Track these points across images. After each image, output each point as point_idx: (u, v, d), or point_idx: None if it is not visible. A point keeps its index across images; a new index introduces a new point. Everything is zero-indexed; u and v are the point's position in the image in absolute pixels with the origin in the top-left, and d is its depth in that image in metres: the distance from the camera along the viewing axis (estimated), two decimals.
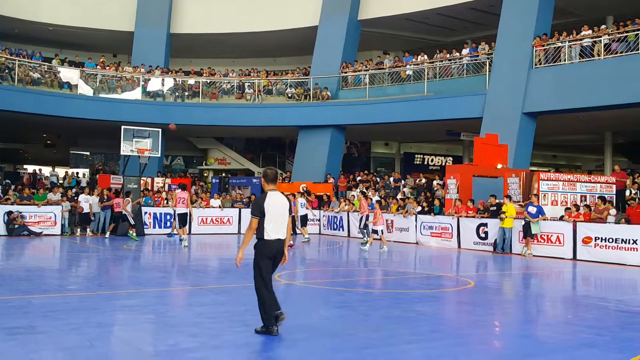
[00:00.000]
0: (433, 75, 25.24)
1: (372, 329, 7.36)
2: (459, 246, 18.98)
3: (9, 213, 19.73)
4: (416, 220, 20.44)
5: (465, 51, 25.06)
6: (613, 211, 16.93)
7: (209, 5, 30.66)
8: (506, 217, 17.22)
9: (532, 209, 16.76)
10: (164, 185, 26.13)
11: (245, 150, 35.75)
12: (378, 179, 27.00)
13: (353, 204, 23.10)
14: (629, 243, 15.07)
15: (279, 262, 7.05)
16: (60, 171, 30.84)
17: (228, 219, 22.98)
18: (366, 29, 28.92)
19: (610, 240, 15.42)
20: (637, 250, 14.92)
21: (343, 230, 23.36)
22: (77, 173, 31.11)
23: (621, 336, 7.45)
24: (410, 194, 23.72)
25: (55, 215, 20.61)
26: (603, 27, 21.44)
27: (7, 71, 25.48)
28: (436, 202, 20.89)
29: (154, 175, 26.82)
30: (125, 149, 22.60)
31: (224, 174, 32.75)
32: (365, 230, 19.23)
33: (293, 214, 20.08)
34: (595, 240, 15.71)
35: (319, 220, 24.14)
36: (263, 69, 31.10)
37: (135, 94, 27.80)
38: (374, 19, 28.14)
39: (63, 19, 29.67)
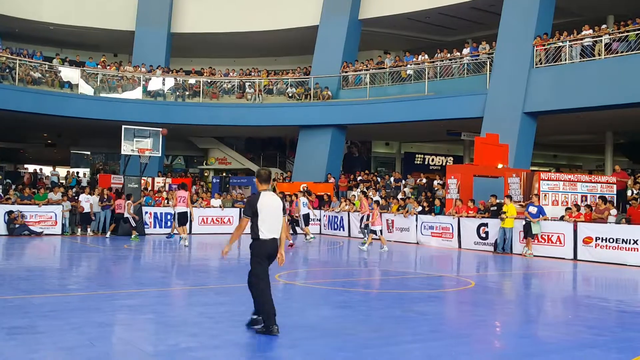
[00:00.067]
0: (434, 75, 25.23)
1: (372, 329, 7.36)
2: (460, 246, 18.98)
3: (10, 213, 19.74)
4: (417, 220, 20.44)
5: (465, 51, 25.05)
6: (614, 211, 16.92)
7: (209, 5, 30.66)
8: (507, 217, 17.21)
9: (533, 209, 16.75)
10: (165, 185, 26.13)
11: (245, 149, 35.74)
12: (379, 179, 27.00)
13: (354, 204, 23.11)
14: (629, 243, 15.06)
15: (273, 261, 7.10)
16: (61, 171, 30.86)
17: (229, 219, 23.00)
18: (367, 29, 28.92)
19: (611, 240, 15.41)
20: (637, 251, 14.91)
21: (343, 230, 23.36)
22: (77, 173, 31.12)
23: (622, 336, 7.45)
24: (411, 194, 23.72)
25: (55, 215, 20.63)
26: (604, 26, 21.42)
27: (7, 70, 25.48)
28: (437, 202, 20.89)
29: (154, 175, 26.82)
30: (126, 148, 22.59)
31: (224, 174, 32.75)
32: (365, 230, 19.22)
33: (291, 214, 20.37)
34: (596, 241, 15.71)
35: (320, 220, 24.14)
36: (264, 69, 31.09)
37: (136, 94, 27.81)
38: (375, 18, 28.14)
39: (64, 18, 29.67)
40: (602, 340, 7.17)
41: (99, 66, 28.97)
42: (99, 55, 31.52)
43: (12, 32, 30.30)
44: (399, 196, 22.95)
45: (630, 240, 15.05)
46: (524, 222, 16.92)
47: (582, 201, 17.99)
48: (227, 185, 28.68)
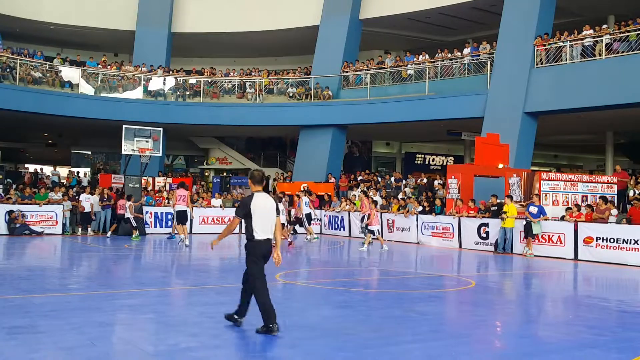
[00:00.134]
0: (434, 75, 25.22)
1: (372, 329, 7.36)
2: (460, 246, 18.98)
3: (10, 212, 19.75)
4: (417, 220, 20.44)
5: (466, 51, 25.04)
6: (614, 211, 16.91)
7: (210, 5, 30.66)
8: (507, 217, 17.21)
9: (534, 209, 16.75)
10: (165, 184, 26.14)
11: (246, 149, 35.73)
12: (379, 179, 26.99)
13: (354, 204, 23.11)
14: (630, 243, 15.06)
15: (268, 261, 7.17)
16: (62, 170, 30.86)
17: (229, 219, 22.96)
18: (367, 29, 28.91)
19: (612, 240, 15.41)
20: (638, 251, 14.91)
21: (344, 230, 23.37)
22: (78, 172, 31.13)
23: (622, 336, 7.45)
24: (412, 194, 23.71)
25: (56, 215, 20.64)
26: (604, 26, 21.41)
27: (8, 70, 25.49)
28: (437, 201, 20.88)
29: (155, 175, 26.83)
30: (127, 148, 22.61)
31: (225, 174, 32.74)
32: (365, 230, 19.23)
33: (295, 214, 20.39)
34: (597, 241, 15.71)
35: (320, 220, 24.14)
36: (264, 69, 31.08)
37: (137, 94, 27.81)
38: (375, 18, 28.13)
39: (64, 18, 29.67)
40: (603, 340, 7.17)
41: (99, 66, 28.97)
42: (99, 55, 31.54)
43: (13, 31, 30.31)
44: (400, 196, 22.94)
45: (630, 240, 15.04)
46: (524, 222, 16.92)
47: (582, 201, 17.99)
48: (228, 185, 28.68)
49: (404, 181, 25.72)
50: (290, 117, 27.74)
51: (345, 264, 15.53)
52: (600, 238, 15.65)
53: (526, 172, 19.00)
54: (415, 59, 26.54)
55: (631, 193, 18.66)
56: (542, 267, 14.85)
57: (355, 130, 28.55)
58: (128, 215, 19.82)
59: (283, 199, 19.71)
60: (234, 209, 22.71)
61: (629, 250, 15.07)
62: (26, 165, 35.25)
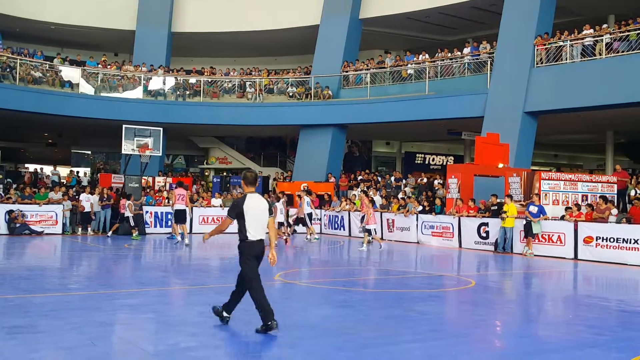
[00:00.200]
0: (434, 74, 25.22)
1: (372, 329, 7.36)
2: (460, 246, 18.98)
3: (10, 212, 19.75)
4: (417, 220, 20.44)
5: (466, 50, 25.04)
6: (614, 211, 16.91)
7: (210, 4, 30.66)
8: (507, 216, 17.21)
9: (534, 209, 16.75)
10: (165, 184, 26.15)
11: (246, 149, 35.74)
12: (379, 178, 26.99)
13: (354, 204, 23.11)
14: (630, 243, 15.06)
15: (261, 261, 7.22)
16: (62, 170, 30.85)
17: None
18: (367, 28, 28.91)
19: (612, 240, 15.41)
20: (638, 250, 14.91)
21: (344, 229, 23.37)
22: (78, 172, 31.14)
23: (622, 336, 7.45)
24: (412, 194, 23.71)
25: (56, 214, 20.65)
26: (605, 26, 21.40)
27: (8, 70, 25.49)
28: (437, 201, 20.88)
29: (155, 175, 26.83)
30: (127, 148, 22.60)
31: (225, 173, 32.73)
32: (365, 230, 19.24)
33: (297, 214, 20.41)
34: (597, 240, 15.71)
35: (320, 219, 24.15)
36: (264, 68, 31.09)
37: (137, 93, 27.81)
38: (375, 17, 28.12)
39: (65, 17, 29.66)
40: (603, 339, 7.17)
41: (99, 66, 28.97)
42: (99, 54, 31.54)
43: (13, 31, 30.30)
44: (400, 196, 22.94)
45: (630, 239, 15.05)
46: (524, 222, 16.92)
47: (582, 201, 17.99)
48: (228, 185, 28.67)
49: (404, 181, 25.72)
50: (290, 117, 27.74)
51: (345, 263, 15.53)
52: (600, 238, 15.65)
53: (526, 172, 19.00)
54: (415, 59, 26.54)
55: (632, 193, 18.66)
56: (542, 266, 14.85)
57: (355, 129, 28.55)
58: (128, 214, 19.84)
59: (282, 199, 19.72)
60: None
61: (629, 249, 15.07)
62: (26, 165, 35.27)
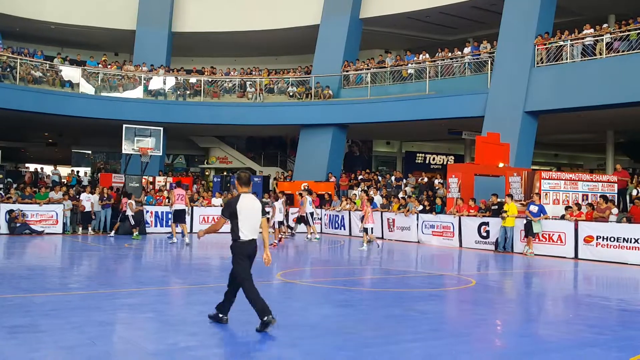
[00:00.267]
0: (435, 74, 25.22)
1: (373, 328, 7.36)
2: (461, 245, 18.98)
3: (11, 211, 19.75)
4: (418, 219, 20.43)
5: (467, 50, 25.04)
6: (615, 210, 16.91)
7: (210, 4, 30.67)
8: (508, 216, 17.20)
9: (534, 208, 16.75)
10: (166, 184, 26.16)
11: (246, 149, 35.75)
12: (380, 178, 26.99)
13: (354, 203, 23.11)
14: (630, 242, 15.05)
15: (253, 261, 7.26)
16: (62, 170, 30.87)
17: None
18: (368, 28, 28.91)
19: (612, 239, 15.40)
20: (638, 250, 14.90)
21: (344, 229, 23.36)
22: (78, 172, 31.15)
23: (622, 335, 7.44)
24: (412, 193, 23.71)
25: (56, 214, 20.65)
26: (605, 26, 21.40)
27: (9, 70, 25.50)
28: (438, 201, 20.88)
29: (155, 174, 26.83)
30: (127, 147, 22.60)
31: (225, 173, 32.75)
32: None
33: (299, 213, 20.43)
34: (597, 239, 15.70)
35: (320, 219, 24.15)
36: (265, 68, 31.09)
37: (137, 93, 27.82)
38: (376, 17, 28.12)
39: (65, 17, 29.68)
40: (603, 339, 7.17)
41: (100, 65, 28.98)
42: (100, 54, 31.56)
43: (13, 31, 30.32)
44: (400, 195, 22.94)
45: (631, 239, 15.04)
46: (525, 221, 16.91)
47: (583, 200, 17.99)
48: (228, 185, 28.65)
49: (404, 180, 25.72)
50: (290, 117, 27.73)
51: (345, 263, 15.53)
52: (600, 237, 15.64)
53: (526, 171, 19.00)
54: (415, 58, 26.54)
55: (634, 192, 18.67)
56: (543, 266, 14.84)
57: (355, 129, 28.55)
58: (129, 212, 19.86)
59: (281, 199, 19.71)
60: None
61: (630, 249, 15.06)
62: (27, 165, 35.25)
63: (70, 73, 27.38)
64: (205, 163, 36.39)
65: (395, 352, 6.35)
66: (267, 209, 20.93)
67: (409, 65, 26.32)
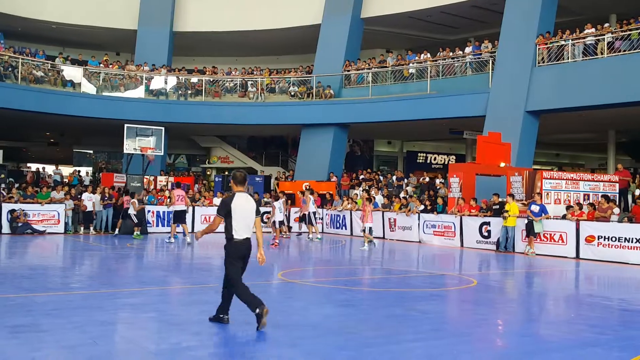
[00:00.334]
0: (436, 74, 25.20)
1: (374, 328, 7.37)
2: (462, 245, 18.97)
3: (13, 211, 19.78)
4: (419, 219, 20.43)
5: (468, 49, 25.03)
6: (616, 210, 16.90)
7: (211, 4, 30.68)
8: (509, 215, 17.19)
9: (535, 208, 16.74)
10: (167, 183, 26.18)
11: (248, 148, 35.76)
12: (381, 178, 26.99)
13: (356, 203, 23.11)
14: (632, 242, 15.04)
15: (247, 260, 7.29)
16: (64, 169, 30.90)
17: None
18: (369, 27, 28.90)
19: (614, 239, 15.39)
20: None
21: (346, 229, 23.36)
22: (79, 171, 31.18)
23: (623, 335, 7.44)
24: (413, 193, 23.71)
25: (58, 214, 20.67)
26: (606, 25, 21.39)
27: (10, 69, 25.53)
28: (439, 200, 20.86)
29: (157, 174, 26.85)
30: (128, 147, 22.61)
31: (226, 173, 32.76)
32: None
33: (302, 212, 20.45)
34: (599, 239, 15.69)
35: (322, 218, 24.15)
36: (266, 67, 31.10)
37: (138, 93, 27.84)
38: (377, 17, 28.12)
39: (66, 17, 29.71)
40: (604, 338, 7.16)
41: (101, 65, 29.00)
42: (101, 54, 31.58)
43: (15, 30, 30.35)
44: (402, 195, 22.93)
45: (632, 239, 15.03)
46: (526, 221, 16.91)
47: (584, 200, 17.98)
48: (229, 184, 28.66)
49: (405, 180, 25.71)
50: (291, 116, 27.74)
51: (346, 262, 15.53)
52: (602, 237, 15.63)
53: (528, 171, 18.99)
54: (416, 58, 26.53)
55: (637, 192, 18.66)
56: (544, 265, 14.84)
57: (357, 129, 28.54)
58: (131, 211, 19.88)
59: (281, 199, 19.73)
60: None
61: (631, 249, 15.05)
62: (28, 164, 35.31)
63: (72, 73, 27.41)
64: (206, 163, 36.41)
65: (397, 352, 6.35)
66: (267, 209, 21.01)
67: (410, 64, 26.32)
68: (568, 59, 20.86)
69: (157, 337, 6.89)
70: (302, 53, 32.71)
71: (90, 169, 34.53)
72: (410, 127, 27.78)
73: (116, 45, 33.30)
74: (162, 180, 26.59)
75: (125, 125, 23.01)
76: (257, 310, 6.86)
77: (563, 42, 21.00)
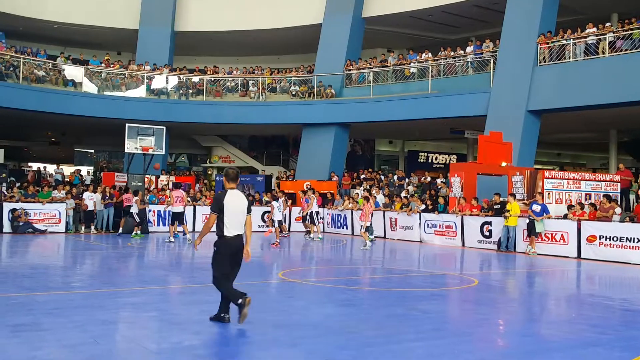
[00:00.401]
0: (437, 73, 25.19)
1: (375, 327, 7.36)
2: (463, 244, 18.96)
3: (14, 210, 19.80)
4: (420, 219, 20.42)
5: (469, 49, 25.01)
6: (618, 210, 16.88)
7: (213, 3, 30.68)
8: (510, 215, 17.18)
9: (537, 207, 16.72)
10: (168, 183, 26.20)
11: (249, 148, 35.77)
12: (382, 177, 26.98)
13: (357, 202, 23.10)
14: (633, 242, 15.02)
15: (240, 258, 7.35)
16: (65, 169, 30.91)
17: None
18: (370, 27, 28.89)
19: (615, 238, 15.37)
20: None
21: (347, 228, 23.36)
22: (80, 171, 31.19)
23: (625, 335, 7.43)
24: (415, 192, 23.70)
25: (59, 213, 20.68)
26: (608, 24, 21.37)
27: (12, 69, 25.55)
28: (440, 200, 20.86)
29: (157, 173, 26.85)
30: (130, 146, 22.62)
31: None
32: (370, 229, 19.26)
33: (304, 211, 20.44)
34: (600, 239, 15.67)
35: (323, 218, 24.15)
36: (267, 67, 31.10)
37: (140, 92, 27.85)
38: (378, 16, 28.11)
39: (68, 16, 29.73)
40: (606, 338, 7.15)
41: (102, 64, 29.02)
42: (102, 53, 31.57)
43: (17, 30, 30.37)
44: (403, 194, 22.94)
45: (634, 238, 15.01)
46: (527, 221, 16.89)
47: (586, 199, 17.96)
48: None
49: (406, 179, 25.71)
50: (293, 116, 27.73)
51: (347, 262, 15.53)
52: (603, 237, 15.61)
53: (529, 171, 18.97)
54: (418, 57, 26.52)
55: (639, 192, 18.63)
56: (545, 265, 14.82)
57: (358, 128, 28.54)
58: (133, 210, 19.90)
59: (281, 198, 19.72)
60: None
61: (633, 249, 15.03)
62: (29, 164, 35.37)
63: (73, 72, 27.42)
64: (207, 162, 36.42)
65: (398, 351, 6.35)
66: (267, 208, 21.01)
67: (412, 64, 26.30)
68: (569, 58, 20.84)
69: (158, 337, 6.89)
70: (303, 52, 32.71)
71: (91, 169, 34.55)
72: (411, 127, 27.78)
73: (117, 44, 33.32)
74: (163, 179, 26.62)
75: (127, 124, 23.01)
76: (240, 301, 6.94)
77: (564, 42, 20.98)
